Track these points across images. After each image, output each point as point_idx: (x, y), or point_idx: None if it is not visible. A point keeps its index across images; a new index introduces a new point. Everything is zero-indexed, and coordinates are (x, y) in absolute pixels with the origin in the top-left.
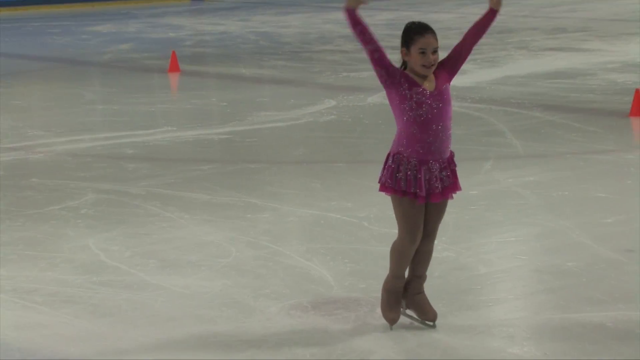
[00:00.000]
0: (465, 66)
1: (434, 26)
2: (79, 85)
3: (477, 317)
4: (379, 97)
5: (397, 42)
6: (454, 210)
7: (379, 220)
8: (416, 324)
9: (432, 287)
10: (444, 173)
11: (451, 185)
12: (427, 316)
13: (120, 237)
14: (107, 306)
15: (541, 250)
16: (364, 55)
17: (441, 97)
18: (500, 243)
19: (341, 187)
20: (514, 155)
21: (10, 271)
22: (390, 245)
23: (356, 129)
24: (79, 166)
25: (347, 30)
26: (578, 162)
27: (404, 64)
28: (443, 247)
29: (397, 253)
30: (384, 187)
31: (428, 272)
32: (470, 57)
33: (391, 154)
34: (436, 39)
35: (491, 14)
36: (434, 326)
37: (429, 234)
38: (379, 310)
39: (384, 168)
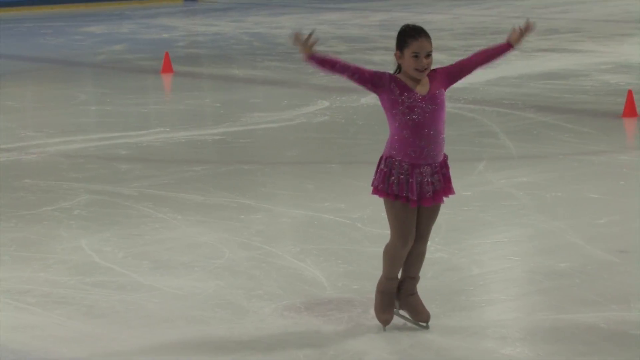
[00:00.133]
0: None
1: (427, 27)
2: (72, 86)
3: (470, 318)
4: (372, 98)
5: (390, 43)
6: (447, 212)
7: (372, 221)
8: (409, 324)
9: (425, 288)
10: (435, 177)
11: (443, 188)
12: (420, 317)
13: (113, 238)
14: (100, 307)
15: (534, 251)
16: (357, 56)
17: (434, 100)
18: (493, 244)
19: (334, 188)
20: (507, 156)
21: (3, 272)
22: (384, 247)
23: (349, 130)
24: (72, 167)
25: (341, 31)
26: (571, 163)
27: (399, 66)
28: (436, 248)
29: (390, 256)
30: (376, 191)
31: (421, 273)
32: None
33: (383, 157)
34: (430, 43)
35: (506, 47)
36: (427, 327)
37: (421, 236)
38: (372, 311)
39: (376, 171)
